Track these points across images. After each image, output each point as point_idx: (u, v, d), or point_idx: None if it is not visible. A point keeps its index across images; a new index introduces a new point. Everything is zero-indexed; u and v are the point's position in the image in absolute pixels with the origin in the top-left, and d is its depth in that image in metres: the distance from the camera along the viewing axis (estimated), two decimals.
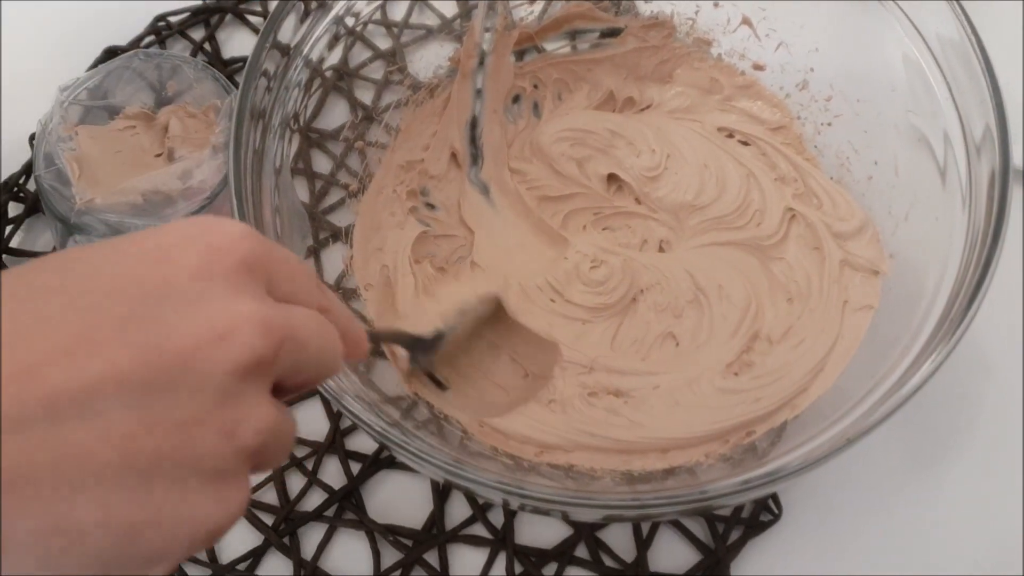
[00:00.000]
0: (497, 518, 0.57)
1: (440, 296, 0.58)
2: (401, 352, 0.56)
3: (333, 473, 0.58)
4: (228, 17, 0.73)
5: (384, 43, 0.67)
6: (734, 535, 0.56)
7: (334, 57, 0.61)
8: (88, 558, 0.26)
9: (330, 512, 0.57)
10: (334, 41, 0.60)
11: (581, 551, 0.56)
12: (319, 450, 0.58)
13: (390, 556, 0.56)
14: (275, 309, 0.29)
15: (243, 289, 0.29)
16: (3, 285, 0.27)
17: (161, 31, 0.72)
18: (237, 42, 0.73)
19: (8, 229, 0.64)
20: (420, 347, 0.55)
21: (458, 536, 0.56)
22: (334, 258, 0.59)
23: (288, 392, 0.32)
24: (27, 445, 0.25)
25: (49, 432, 0.25)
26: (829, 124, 0.62)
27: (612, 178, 0.64)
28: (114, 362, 0.26)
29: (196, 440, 0.27)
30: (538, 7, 0.66)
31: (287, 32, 0.55)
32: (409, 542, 0.56)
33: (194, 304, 0.28)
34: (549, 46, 0.67)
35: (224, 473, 0.28)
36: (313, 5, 0.56)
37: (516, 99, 0.66)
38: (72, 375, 0.25)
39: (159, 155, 0.60)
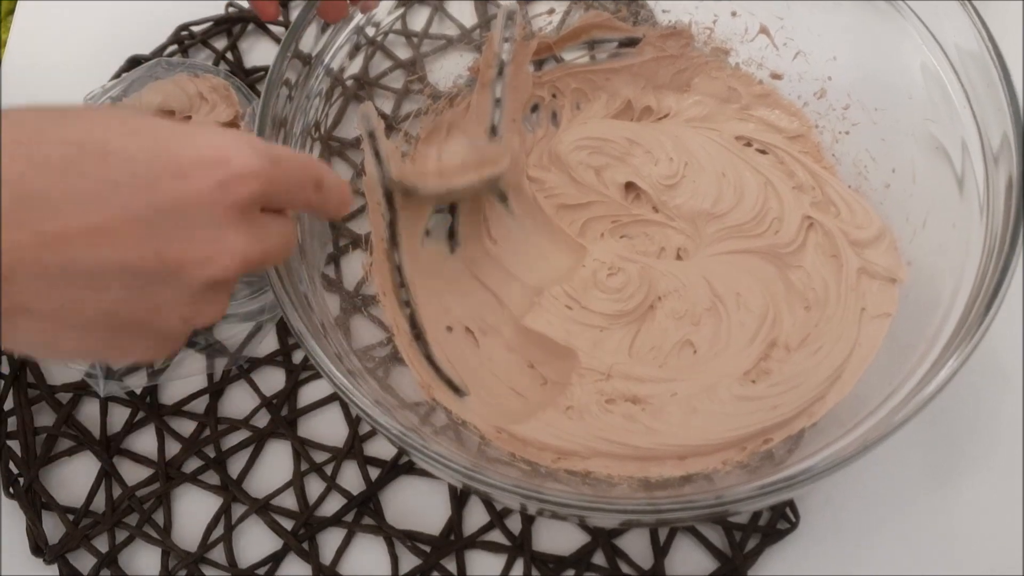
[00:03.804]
0: (515, 525, 0.57)
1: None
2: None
3: (351, 479, 0.59)
4: (250, 27, 0.74)
5: (404, 53, 0.68)
6: (751, 543, 0.56)
7: (355, 66, 0.61)
8: (57, 356, 0.40)
9: (348, 517, 0.58)
10: (355, 51, 0.60)
11: (598, 558, 0.56)
12: (338, 456, 0.59)
13: (408, 562, 0.56)
14: (255, 243, 0.38)
15: (237, 223, 0.37)
16: (45, 146, 0.33)
17: (184, 40, 0.73)
18: (259, 51, 0.74)
19: None
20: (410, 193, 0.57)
21: (476, 542, 0.57)
22: (354, 264, 0.59)
23: None
24: (39, 291, 0.34)
25: (61, 288, 0.34)
26: (847, 132, 0.63)
27: (630, 186, 0.64)
28: (124, 255, 0.34)
29: (163, 320, 0.37)
30: (557, 17, 0.66)
31: (308, 41, 0.56)
32: (427, 548, 0.56)
33: (195, 226, 0.36)
34: (567, 56, 0.67)
35: (172, 337, 0.39)
36: None
37: (535, 108, 0.67)
38: (90, 255, 0.34)
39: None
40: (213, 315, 0.39)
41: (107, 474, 0.59)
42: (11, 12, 0.77)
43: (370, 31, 0.61)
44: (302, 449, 0.59)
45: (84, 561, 0.57)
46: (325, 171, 0.43)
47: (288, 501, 0.58)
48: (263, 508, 0.58)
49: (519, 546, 0.56)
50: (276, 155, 0.39)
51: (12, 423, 0.61)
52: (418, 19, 0.69)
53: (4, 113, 0.34)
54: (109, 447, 0.60)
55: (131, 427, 0.60)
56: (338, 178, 0.45)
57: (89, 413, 0.61)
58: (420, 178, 0.56)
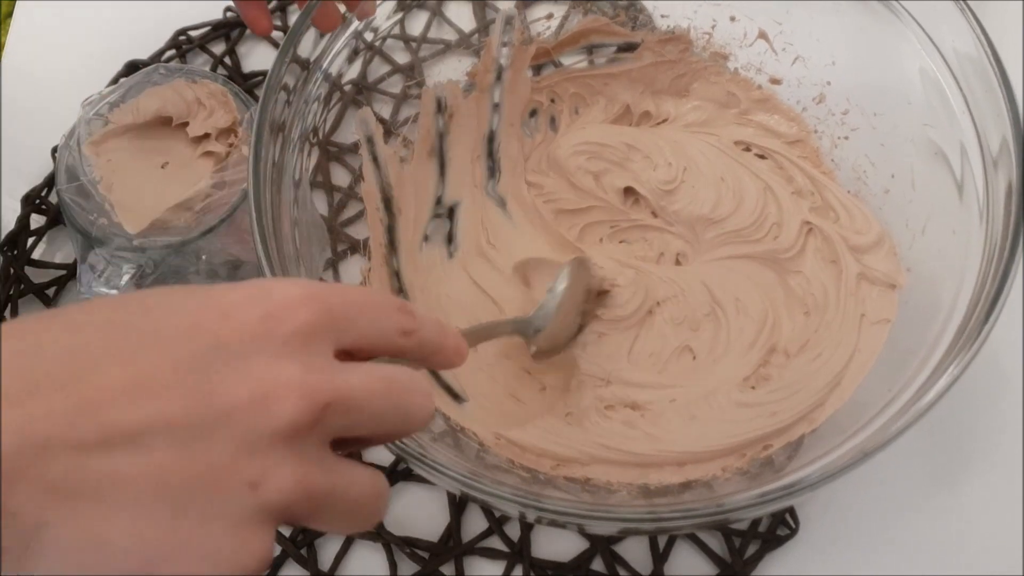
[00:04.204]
0: (514, 531, 0.57)
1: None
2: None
3: None
4: (248, 31, 0.74)
5: (402, 57, 0.68)
6: (751, 549, 0.56)
7: (353, 71, 0.61)
8: (108, 572, 0.29)
9: None
10: (353, 55, 0.60)
11: (597, 564, 0.56)
12: None
13: (407, 568, 0.56)
14: (322, 376, 0.31)
15: (293, 355, 0.31)
16: (85, 312, 0.31)
17: (182, 45, 0.73)
18: (257, 56, 0.73)
19: (30, 241, 0.65)
20: (528, 329, 0.55)
21: (475, 549, 0.56)
22: (352, 270, 0.59)
23: (355, 445, 0.34)
24: (78, 465, 0.28)
25: (100, 458, 0.28)
26: (846, 137, 0.63)
27: (629, 191, 0.64)
28: (167, 407, 0.29)
29: (224, 486, 0.30)
30: (555, 22, 0.66)
31: (306, 46, 0.56)
32: (426, 554, 0.56)
33: (244, 364, 0.31)
34: (566, 60, 0.67)
35: (248, 523, 0.30)
36: None
37: (533, 113, 0.67)
38: (130, 413, 0.29)
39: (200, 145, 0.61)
40: (287, 480, 0.30)
41: None
42: (10, 15, 0.76)
43: (368, 36, 0.61)
44: None
45: None
46: (408, 303, 0.37)
47: None
48: None
49: (518, 552, 0.56)
50: (331, 286, 0.34)
51: None
52: (416, 23, 0.69)
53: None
54: None
55: None
56: (432, 315, 0.38)
57: None
58: None
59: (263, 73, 0.71)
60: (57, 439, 0.28)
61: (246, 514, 0.30)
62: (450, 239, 0.62)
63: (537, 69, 0.66)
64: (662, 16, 0.66)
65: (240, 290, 0.32)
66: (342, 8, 0.57)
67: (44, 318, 0.30)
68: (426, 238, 0.61)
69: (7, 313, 0.63)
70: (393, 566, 0.56)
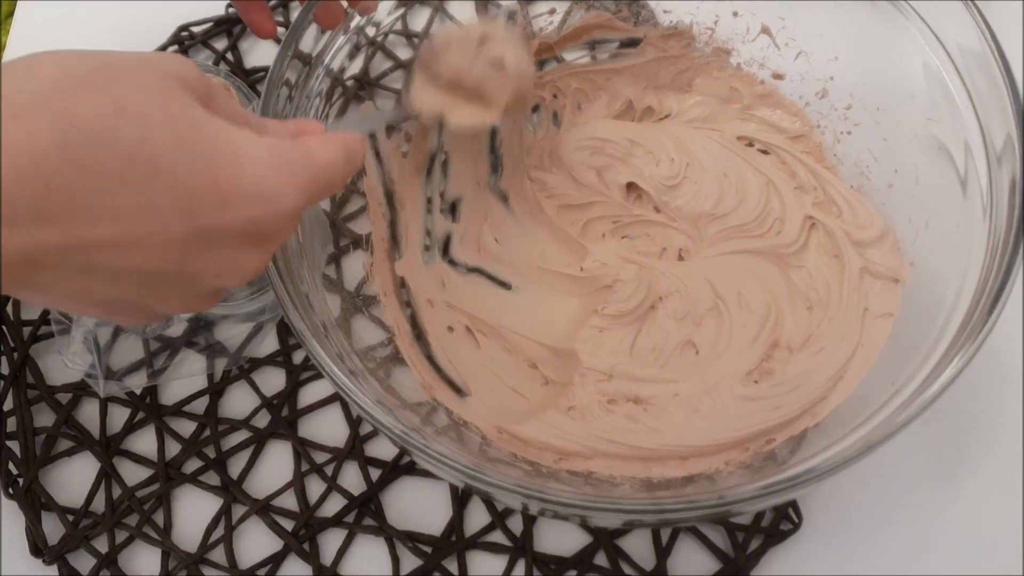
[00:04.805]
0: (516, 525, 0.57)
1: None
2: None
3: (352, 479, 0.58)
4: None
5: (405, 53, 0.68)
6: (754, 544, 0.56)
7: (355, 67, 0.61)
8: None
9: (349, 518, 0.57)
10: (355, 51, 0.60)
11: (600, 559, 0.56)
12: (338, 456, 0.59)
13: (409, 562, 0.56)
14: (266, 260, 0.41)
15: (256, 247, 0.40)
16: (99, 146, 0.34)
17: (184, 41, 0.73)
18: (259, 52, 0.73)
19: None
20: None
21: (477, 543, 0.56)
22: (355, 265, 0.59)
23: None
24: (59, 280, 0.36)
25: (78, 278, 0.36)
26: (849, 133, 0.62)
27: (631, 187, 0.64)
28: (147, 263, 0.36)
29: (161, 306, 0.40)
30: (558, 17, 0.66)
31: (308, 42, 0.56)
32: (428, 549, 0.56)
33: (220, 248, 0.38)
34: (569, 56, 0.67)
35: (160, 316, 0.42)
36: None
37: (536, 109, 0.66)
38: (116, 260, 0.36)
39: None
40: (206, 308, 0.44)
41: (107, 475, 0.59)
42: (11, 14, 0.76)
43: (370, 31, 0.61)
44: (303, 449, 0.59)
45: (84, 562, 0.57)
46: (352, 153, 0.43)
47: (289, 502, 0.58)
48: (263, 509, 0.58)
49: (521, 547, 0.56)
50: (313, 174, 0.40)
51: (12, 423, 0.60)
52: (419, 19, 0.69)
53: (54, 72, 0.35)
54: (109, 447, 0.60)
55: (131, 427, 0.60)
56: (357, 142, 0.44)
57: (89, 413, 0.61)
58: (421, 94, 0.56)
59: (265, 69, 0.71)
60: (51, 262, 0.35)
61: (169, 315, 0.43)
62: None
63: (540, 64, 0.66)
64: (664, 12, 0.66)
65: (246, 179, 0.37)
66: (344, 4, 0.57)
67: (58, 151, 0.33)
68: (428, 233, 0.61)
69: (8, 308, 0.63)
70: (395, 560, 0.56)
